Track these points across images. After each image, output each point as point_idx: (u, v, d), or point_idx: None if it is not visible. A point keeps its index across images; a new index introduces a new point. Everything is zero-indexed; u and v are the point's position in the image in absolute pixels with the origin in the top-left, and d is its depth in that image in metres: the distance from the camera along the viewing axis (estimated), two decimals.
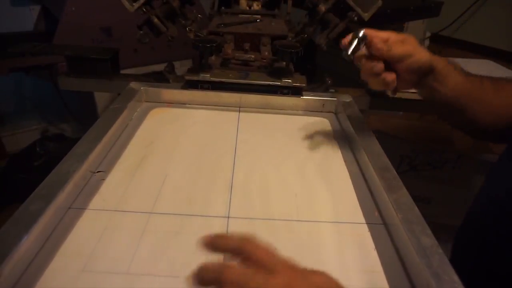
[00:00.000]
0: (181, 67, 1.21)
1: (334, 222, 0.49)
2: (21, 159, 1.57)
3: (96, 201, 0.50)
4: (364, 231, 0.48)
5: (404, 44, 0.53)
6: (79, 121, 1.83)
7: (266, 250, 0.31)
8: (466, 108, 0.57)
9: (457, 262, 0.57)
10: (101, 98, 1.40)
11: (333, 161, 0.63)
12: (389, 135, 1.34)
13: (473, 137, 0.65)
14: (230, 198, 0.52)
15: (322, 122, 0.76)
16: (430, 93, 0.57)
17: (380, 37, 0.52)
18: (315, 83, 0.98)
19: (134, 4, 0.84)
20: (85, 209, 0.49)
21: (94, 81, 1.01)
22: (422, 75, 0.55)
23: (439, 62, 0.54)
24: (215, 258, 0.31)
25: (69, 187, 0.49)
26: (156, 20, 0.86)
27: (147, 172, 0.57)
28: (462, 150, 1.30)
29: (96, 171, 0.56)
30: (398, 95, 0.95)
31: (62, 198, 0.47)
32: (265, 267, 0.29)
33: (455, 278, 0.37)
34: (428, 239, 0.42)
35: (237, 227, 0.47)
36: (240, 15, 0.97)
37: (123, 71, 1.07)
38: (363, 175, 0.59)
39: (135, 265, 0.41)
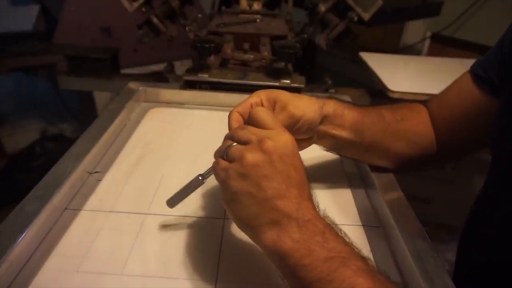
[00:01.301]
0: (181, 66, 1.21)
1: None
2: (20, 159, 1.58)
3: (92, 202, 0.50)
4: (360, 233, 0.48)
5: (284, 110, 0.46)
6: (78, 121, 1.83)
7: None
8: (374, 143, 0.52)
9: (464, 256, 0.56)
10: (100, 98, 1.40)
11: (330, 162, 0.63)
12: None
13: (400, 171, 0.56)
14: None
15: None
16: (331, 141, 0.51)
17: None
18: (315, 83, 0.98)
19: (133, 3, 0.84)
20: (81, 210, 0.49)
21: (94, 80, 1.01)
22: (315, 129, 0.49)
23: (329, 106, 0.48)
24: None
25: (65, 188, 0.48)
26: (155, 19, 0.86)
27: (143, 172, 0.57)
28: None
29: (93, 172, 0.56)
30: (398, 95, 0.95)
31: (58, 199, 0.47)
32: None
33: (450, 283, 0.37)
34: (424, 243, 0.41)
35: (233, 229, 0.47)
36: (240, 15, 0.97)
37: (123, 71, 1.07)
38: (360, 176, 0.59)
39: (129, 266, 0.41)
